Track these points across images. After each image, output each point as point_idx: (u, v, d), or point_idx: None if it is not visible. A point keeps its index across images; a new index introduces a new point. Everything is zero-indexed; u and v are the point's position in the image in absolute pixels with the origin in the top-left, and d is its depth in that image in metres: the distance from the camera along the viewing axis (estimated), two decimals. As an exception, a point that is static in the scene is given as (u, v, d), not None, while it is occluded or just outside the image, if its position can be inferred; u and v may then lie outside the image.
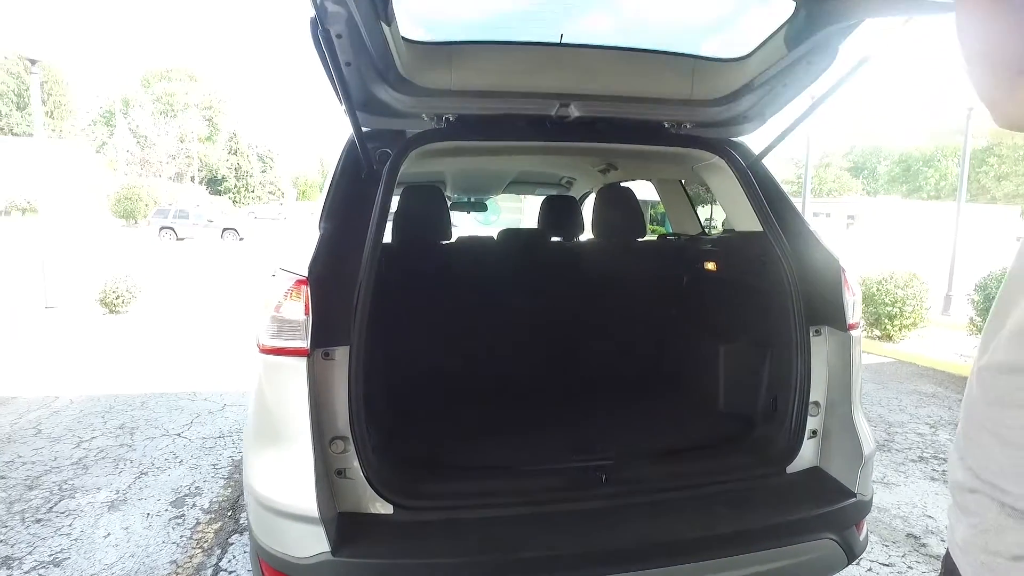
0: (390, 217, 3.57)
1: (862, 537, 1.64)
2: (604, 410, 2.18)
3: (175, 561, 2.42)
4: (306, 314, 1.39)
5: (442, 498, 1.49)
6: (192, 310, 8.61)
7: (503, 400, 2.04)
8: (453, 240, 2.49)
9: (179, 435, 3.84)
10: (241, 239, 25.94)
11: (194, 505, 2.89)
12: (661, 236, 2.81)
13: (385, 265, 1.98)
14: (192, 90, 51.93)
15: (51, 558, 2.43)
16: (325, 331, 1.42)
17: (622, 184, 2.75)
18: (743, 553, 1.44)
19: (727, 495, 1.59)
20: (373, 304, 1.61)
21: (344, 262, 1.48)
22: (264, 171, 56.42)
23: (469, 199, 4.89)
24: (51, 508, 2.85)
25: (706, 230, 2.85)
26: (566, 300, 2.43)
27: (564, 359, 2.41)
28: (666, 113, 1.85)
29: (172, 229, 25.78)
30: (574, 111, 1.76)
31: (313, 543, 1.33)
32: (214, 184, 53.21)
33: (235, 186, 54.21)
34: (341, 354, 1.43)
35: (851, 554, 1.57)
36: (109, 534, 2.62)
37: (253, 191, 54.63)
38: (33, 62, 6.97)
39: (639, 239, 2.60)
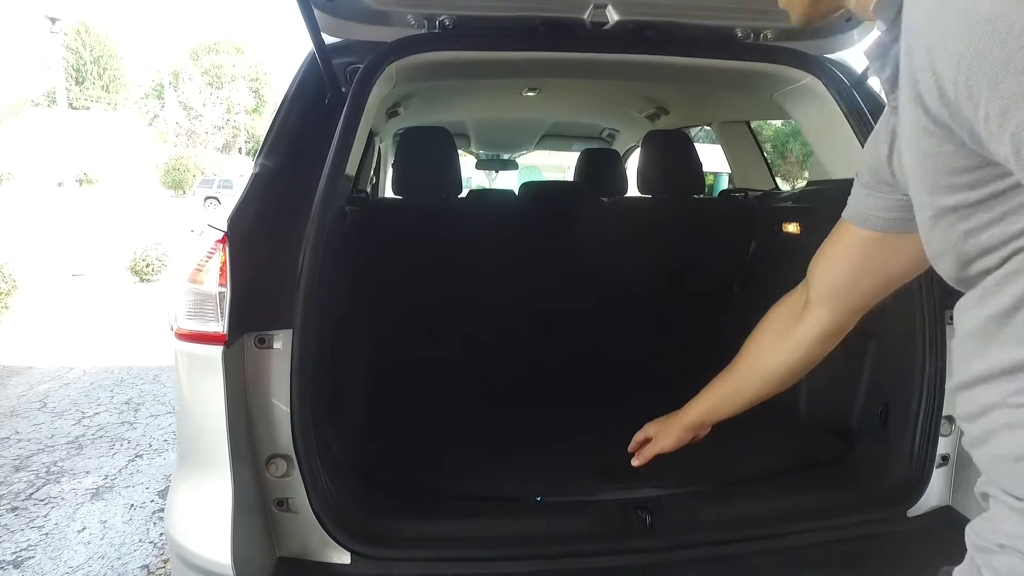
0: (379, 166, 3.09)
1: None
2: (647, 419, 1.70)
3: (147, 567, 2.12)
4: (222, 284, 0.97)
5: (420, 545, 1.06)
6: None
7: (513, 406, 1.60)
8: (464, 195, 2.02)
9: (183, 413, 3.57)
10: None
11: (182, 496, 2.59)
12: (724, 193, 2.27)
13: (365, 225, 1.54)
14: (239, 62, 52.44)
15: (14, 557, 2.16)
16: (255, 309, 1.02)
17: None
18: None
19: (822, 549, 1.12)
20: (336, 275, 1.18)
21: (287, 214, 1.06)
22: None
23: (497, 157, 4.37)
24: (32, 495, 2.60)
25: (779, 187, 2.31)
26: (602, 272, 1.90)
27: (596, 350, 1.89)
28: (738, 17, 1.34)
29: (216, 199, 26.15)
30: (613, 14, 1.28)
31: None
32: (261, 155, 53.79)
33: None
34: (282, 341, 1.03)
35: None
36: (84, 528, 2.35)
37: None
38: (54, 20, 6.76)
39: (696, 195, 2.10)
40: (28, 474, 2.78)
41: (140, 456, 2.99)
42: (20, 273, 5.50)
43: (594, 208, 2.09)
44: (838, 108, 1.35)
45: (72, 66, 45.68)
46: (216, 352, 0.96)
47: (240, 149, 50.21)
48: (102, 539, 2.27)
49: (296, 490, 1.03)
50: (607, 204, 2.12)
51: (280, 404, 1.02)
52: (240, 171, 36.37)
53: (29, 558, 2.15)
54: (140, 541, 2.26)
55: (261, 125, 53.71)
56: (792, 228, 1.68)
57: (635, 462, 1.03)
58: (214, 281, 0.97)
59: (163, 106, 47.34)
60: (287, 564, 1.04)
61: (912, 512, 1.19)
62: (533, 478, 1.30)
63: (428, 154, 1.82)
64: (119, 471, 2.82)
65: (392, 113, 2.36)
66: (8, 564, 2.11)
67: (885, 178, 0.64)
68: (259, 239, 1.03)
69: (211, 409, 0.97)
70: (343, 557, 1.03)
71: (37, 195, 22.65)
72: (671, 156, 2.01)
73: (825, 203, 1.65)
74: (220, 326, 0.97)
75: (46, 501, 2.55)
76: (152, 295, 7.18)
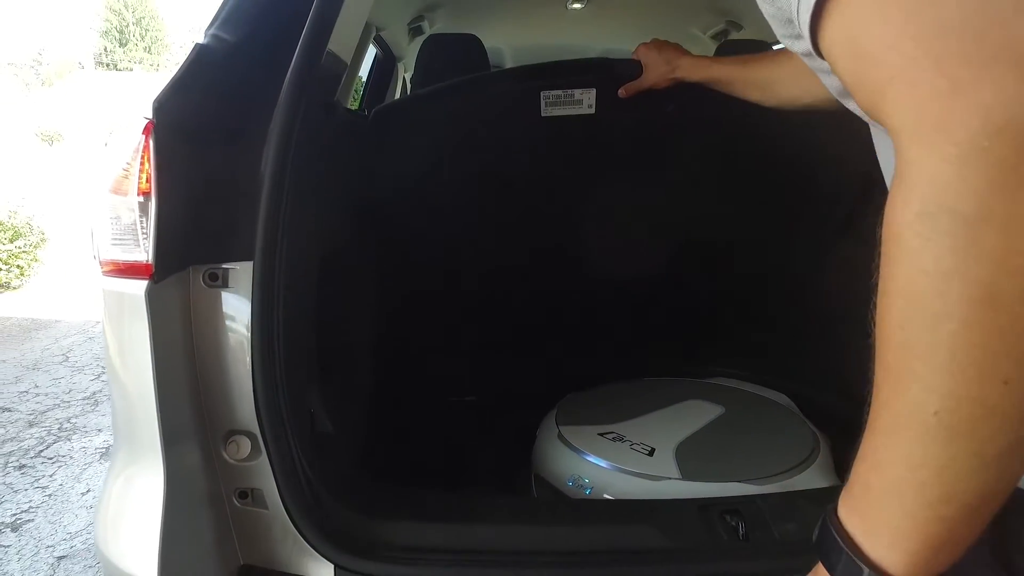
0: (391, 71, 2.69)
1: None
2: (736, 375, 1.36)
3: (148, 535, 1.93)
4: (143, 193, 0.69)
5: (424, 559, 0.77)
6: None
7: (553, 357, 1.29)
8: None
9: (204, 370, 3.42)
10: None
11: (193, 459, 2.42)
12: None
13: (368, 128, 1.22)
14: (276, 20, 52.30)
15: (13, 519, 2.01)
16: (204, 232, 0.73)
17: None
18: None
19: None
20: (321, 191, 0.88)
21: (248, 101, 0.76)
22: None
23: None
24: (41, 452, 2.46)
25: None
26: (671, 189, 1.45)
27: (660, 288, 1.47)
28: None
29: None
30: None
31: None
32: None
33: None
34: (240, 276, 0.74)
35: None
36: (89, 490, 2.19)
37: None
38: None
39: None
40: (40, 430, 2.65)
41: (156, 414, 2.83)
42: (52, 228, 5.43)
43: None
44: None
45: (115, 28, 46.23)
46: (139, 288, 0.68)
47: (278, 109, 50.44)
48: (106, 503, 2.11)
49: (263, 479, 0.76)
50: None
51: (240, 363, 0.75)
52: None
53: (28, 521, 1.99)
54: (145, 506, 2.09)
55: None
56: None
57: (621, 92, 1.10)
58: (133, 188, 0.69)
59: (203, 66, 47.79)
60: (251, 574, 0.77)
61: None
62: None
63: (455, 64, 1.48)
64: (132, 429, 2.67)
65: (415, 30, 2.03)
66: (6, 527, 1.96)
67: None
68: (204, 134, 0.73)
69: (140, 368, 0.70)
70: (323, 570, 0.75)
71: (82, 155, 23.17)
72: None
73: None
74: (144, 253, 0.69)
75: (54, 460, 2.41)
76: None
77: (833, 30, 0.32)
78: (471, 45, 1.55)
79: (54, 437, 2.60)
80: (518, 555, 0.77)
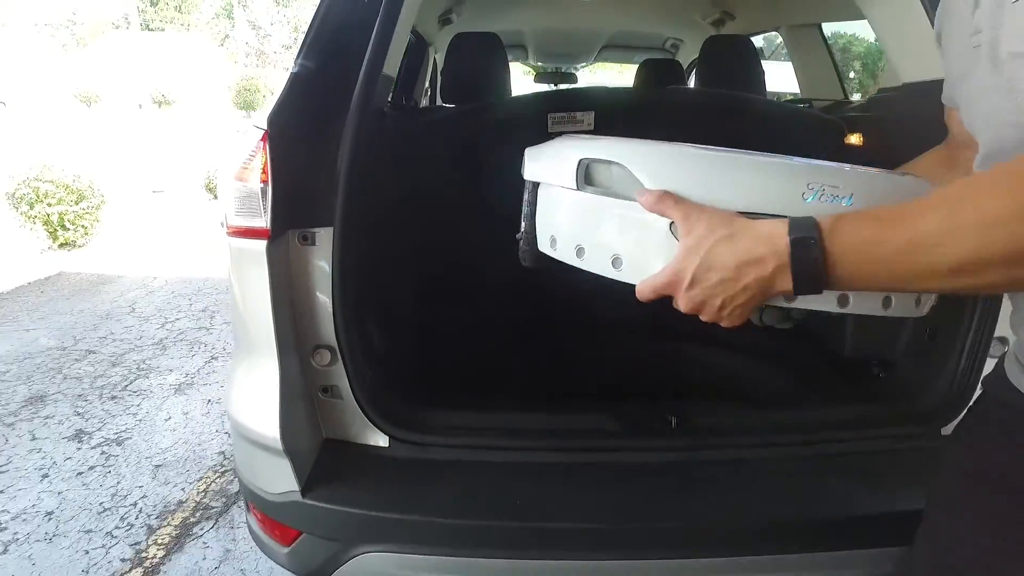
0: (431, 72, 3.01)
1: None
2: (680, 333, 1.68)
3: (223, 452, 2.35)
4: (263, 181, 1.02)
5: (454, 432, 1.14)
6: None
7: (548, 311, 1.62)
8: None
9: (255, 321, 3.83)
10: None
11: (253, 394, 2.83)
12: (790, 102, 2.12)
13: (412, 129, 1.54)
14: (304, -22, 51.73)
15: (115, 436, 2.45)
16: (298, 206, 1.06)
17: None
18: (871, 547, 1.00)
19: (849, 460, 1.12)
20: (377, 176, 1.21)
21: (327, 114, 1.08)
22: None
23: (557, 70, 4.22)
24: (126, 387, 2.90)
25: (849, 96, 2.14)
26: None
27: None
28: None
29: (287, 120, 26.60)
30: None
31: (283, 479, 1.05)
32: (327, 76, 53.95)
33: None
34: (324, 238, 1.08)
35: None
36: (170, 418, 2.61)
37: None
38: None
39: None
40: (122, 369, 3.09)
41: (215, 359, 3.25)
42: (107, 189, 5.86)
43: (640, 98, 1.95)
44: (919, 3, 1.22)
45: (146, -14, 46.44)
46: (261, 246, 1.02)
47: (307, 69, 50.38)
48: (185, 427, 2.53)
49: (340, 379, 1.11)
50: (652, 97, 1.98)
51: (323, 298, 1.09)
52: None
53: (127, 439, 2.43)
54: (216, 432, 2.50)
55: (326, 44, 53.35)
56: (854, 139, 1.56)
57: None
58: (257, 178, 1.02)
59: (233, 26, 47.67)
60: (332, 444, 1.13)
61: (947, 430, 1.16)
62: (562, 382, 1.35)
63: (476, 60, 1.78)
64: (198, 371, 3.09)
65: (445, 20, 2.31)
66: (112, 442, 2.39)
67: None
68: (299, 138, 1.06)
69: (258, 300, 1.04)
70: (381, 440, 1.11)
71: (119, 116, 23.71)
72: (733, 64, 1.89)
73: (895, 110, 1.53)
74: (264, 221, 1.03)
75: (138, 393, 2.84)
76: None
77: None
78: (491, 43, 1.83)
79: (135, 375, 3.03)
80: (517, 431, 1.13)
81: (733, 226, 0.55)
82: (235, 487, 2.13)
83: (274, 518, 1.07)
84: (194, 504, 2.04)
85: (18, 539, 1.85)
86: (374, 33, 1.10)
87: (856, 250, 0.51)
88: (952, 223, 0.46)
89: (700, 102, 1.78)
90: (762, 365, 1.55)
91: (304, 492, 1.03)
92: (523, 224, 0.80)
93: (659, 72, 2.35)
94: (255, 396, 1.05)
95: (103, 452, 2.34)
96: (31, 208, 4.93)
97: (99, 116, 23.69)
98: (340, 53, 1.12)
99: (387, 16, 1.11)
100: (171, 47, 37.97)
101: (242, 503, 2.05)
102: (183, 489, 2.12)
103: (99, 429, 2.51)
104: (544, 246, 0.75)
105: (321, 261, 1.07)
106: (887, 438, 1.16)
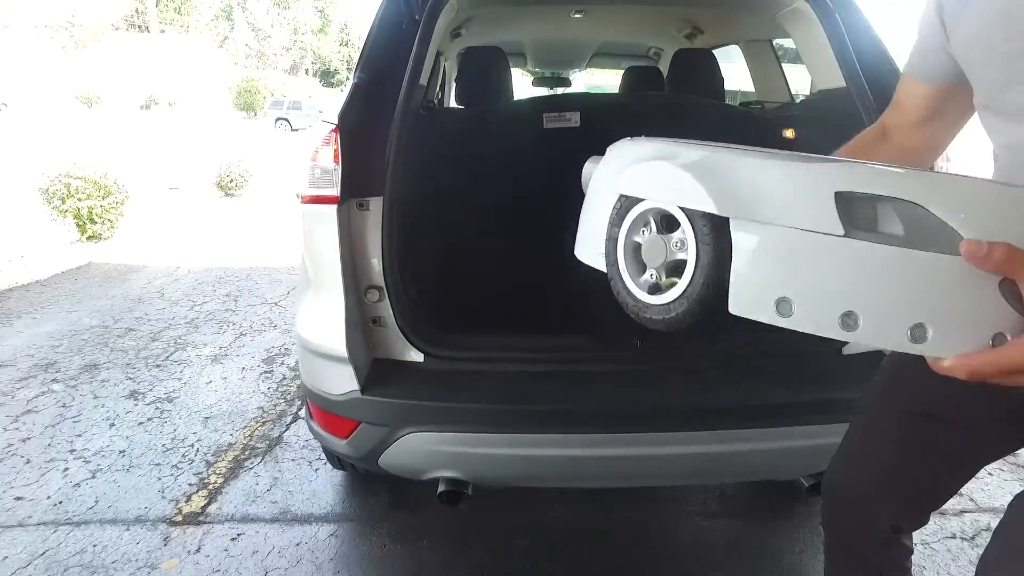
0: (447, 80, 3.42)
1: None
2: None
3: (261, 407, 2.71)
4: (335, 162, 1.39)
5: (473, 350, 1.52)
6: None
7: (544, 266, 2.00)
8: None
9: (276, 304, 4.19)
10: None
11: (282, 363, 3.19)
12: (744, 104, 2.51)
13: (437, 126, 1.92)
14: (303, -20, 52.07)
15: (166, 395, 2.81)
16: (357, 180, 1.43)
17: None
18: (792, 425, 1.36)
19: (773, 369, 1.50)
20: (417, 162, 1.58)
21: (376, 114, 1.45)
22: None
23: (554, 74, 4.62)
24: (168, 357, 3.26)
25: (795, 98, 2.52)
26: None
27: None
28: None
29: (287, 120, 26.96)
30: None
31: (346, 382, 1.42)
32: (327, 77, 54.40)
33: (347, 78, 55.10)
34: (375, 205, 1.45)
35: None
36: (210, 381, 2.97)
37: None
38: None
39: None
40: (162, 343, 3.45)
41: (244, 335, 3.61)
42: (127, 186, 6.21)
43: (611, 103, 2.35)
44: (821, 27, 1.60)
45: (145, -12, 46.74)
46: (332, 210, 1.39)
47: (307, 71, 50.79)
48: (225, 389, 2.89)
49: (386, 311, 1.47)
50: (625, 100, 2.38)
51: (374, 250, 1.45)
52: (309, 92, 37.18)
53: (176, 397, 2.79)
54: (253, 392, 2.87)
55: (327, 47, 53.91)
56: (789, 134, 1.95)
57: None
58: (329, 159, 1.39)
59: (232, 28, 47.98)
60: (379, 362, 1.50)
61: (848, 351, 1.53)
62: (558, 314, 1.74)
63: (484, 69, 2.16)
64: (230, 344, 3.45)
65: (455, 34, 2.68)
66: (163, 400, 2.76)
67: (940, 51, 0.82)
68: (359, 130, 1.43)
69: (328, 250, 1.41)
70: (418, 357, 1.48)
71: (122, 117, 24.02)
72: (696, 74, 2.27)
73: (812, 110, 1.92)
74: (335, 191, 1.40)
75: (178, 362, 3.20)
76: (236, 208, 7.92)
77: None
78: (496, 56, 2.21)
79: (173, 348, 3.39)
80: (521, 348, 1.52)
81: None
82: (276, 432, 2.50)
83: (337, 414, 1.44)
84: (242, 445, 2.40)
85: (102, 469, 2.22)
86: (413, 52, 1.47)
87: None
88: None
89: (665, 105, 2.16)
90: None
91: (363, 391, 1.40)
92: (691, 276, 0.60)
93: (640, 78, 2.72)
94: (325, 322, 1.42)
95: (157, 407, 2.70)
96: (63, 203, 5.28)
97: (100, 117, 23.96)
98: (387, 68, 1.50)
99: (422, 40, 1.49)
100: (171, 48, 38.31)
101: (284, 443, 2.42)
102: (231, 435, 2.48)
103: (151, 390, 2.87)
104: (755, 308, 0.56)
105: (372, 222, 1.44)
106: (803, 355, 1.53)
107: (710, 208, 0.57)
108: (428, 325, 1.51)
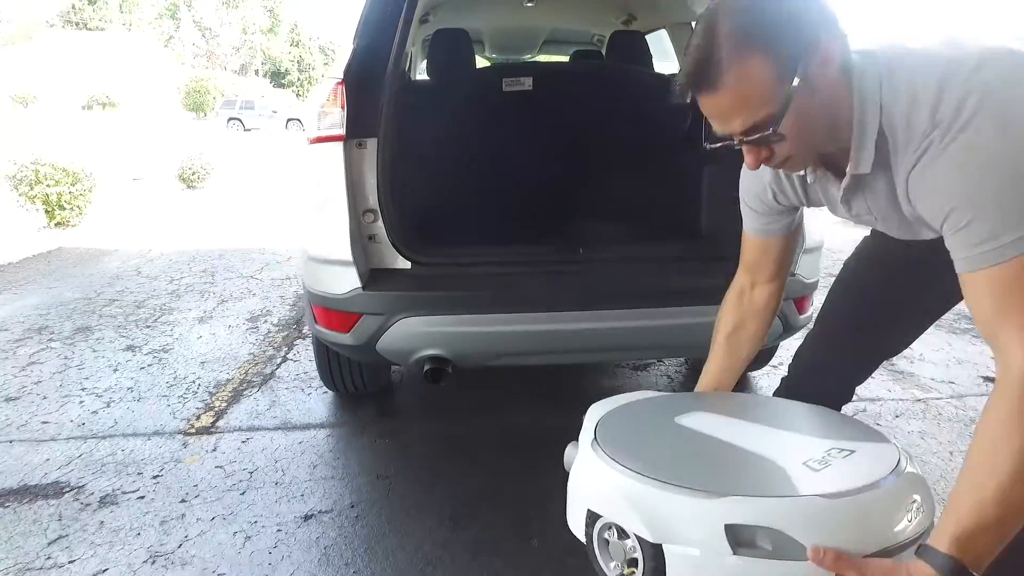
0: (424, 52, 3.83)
1: (803, 315, 1.95)
2: (594, 210, 2.49)
3: (252, 353, 3.01)
4: (341, 108, 1.75)
5: (450, 257, 1.91)
6: (259, 187, 9.27)
7: (508, 192, 2.38)
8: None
9: (252, 277, 4.45)
10: (305, 129, 26.79)
11: (266, 321, 3.48)
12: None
13: (417, 90, 2.29)
14: (250, -21, 51.16)
15: (161, 348, 3.07)
16: (357, 124, 1.77)
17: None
18: (701, 304, 1.75)
19: (684, 266, 1.94)
20: (404, 112, 1.94)
21: (372, 71, 1.80)
22: (327, 63, 56.17)
23: (508, 60, 5.04)
24: (156, 320, 3.50)
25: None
26: (565, 127, 2.53)
27: (564, 174, 2.56)
28: None
29: (239, 120, 26.64)
30: None
31: (349, 282, 1.76)
32: (277, 77, 53.54)
33: (298, 79, 54.44)
34: (371, 145, 1.79)
35: (787, 325, 1.90)
36: (201, 337, 3.24)
37: (316, 84, 54.87)
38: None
39: None
40: (147, 310, 3.68)
41: (225, 301, 3.87)
42: (93, 175, 6.30)
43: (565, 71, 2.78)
44: None
45: (83, -16, 45.09)
46: (339, 146, 1.74)
47: (257, 71, 49.90)
48: (215, 342, 3.17)
49: (379, 230, 1.82)
50: (563, 67, 2.81)
51: (370, 180, 1.79)
52: (261, 93, 36.62)
53: (172, 348, 3.06)
54: (242, 343, 3.15)
55: (277, 47, 53.06)
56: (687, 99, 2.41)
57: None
58: (337, 105, 1.74)
59: (178, 27, 46.75)
60: (375, 270, 1.84)
61: None
62: (524, 231, 2.14)
63: (452, 48, 2.54)
64: (213, 308, 3.71)
65: (423, 20, 3.05)
66: (159, 351, 3.02)
67: (776, 209, 1.13)
68: (359, 83, 1.77)
69: (335, 179, 1.75)
70: (406, 265, 1.84)
71: (63, 117, 23.26)
72: (629, 49, 2.70)
73: None
74: (342, 131, 1.75)
75: (167, 323, 3.45)
76: (200, 199, 8.03)
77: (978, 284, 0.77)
78: (461, 37, 2.59)
79: (159, 312, 3.63)
80: (490, 255, 1.93)
81: (898, 573, 0.71)
82: (268, 370, 2.80)
83: (341, 310, 1.78)
84: (239, 379, 2.70)
85: (115, 400, 2.49)
86: (400, 22, 1.83)
87: (981, 547, 0.70)
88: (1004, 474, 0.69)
89: (602, 71, 2.60)
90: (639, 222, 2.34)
91: (364, 288, 1.75)
92: (642, 572, 0.81)
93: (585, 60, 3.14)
94: (332, 237, 1.77)
95: (155, 357, 2.96)
96: (31, 189, 5.38)
97: (38, 117, 23.15)
98: (378, 37, 1.85)
99: (407, 16, 1.85)
100: (112, 47, 37.12)
101: (277, 377, 2.73)
102: (228, 374, 2.77)
103: (146, 344, 3.12)
104: None
105: (369, 159, 1.79)
106: (706, 259, 1.97)
107: (646, 536, 0.78)
108: (414, 240, 1.87)
